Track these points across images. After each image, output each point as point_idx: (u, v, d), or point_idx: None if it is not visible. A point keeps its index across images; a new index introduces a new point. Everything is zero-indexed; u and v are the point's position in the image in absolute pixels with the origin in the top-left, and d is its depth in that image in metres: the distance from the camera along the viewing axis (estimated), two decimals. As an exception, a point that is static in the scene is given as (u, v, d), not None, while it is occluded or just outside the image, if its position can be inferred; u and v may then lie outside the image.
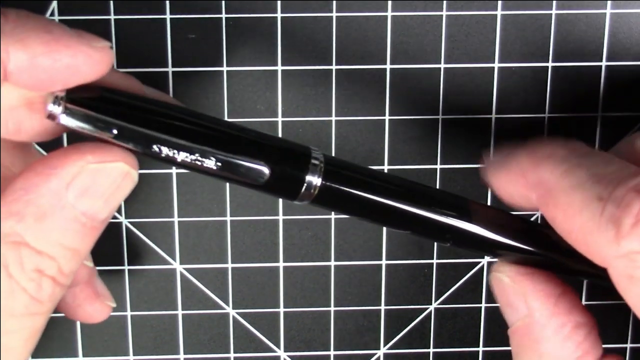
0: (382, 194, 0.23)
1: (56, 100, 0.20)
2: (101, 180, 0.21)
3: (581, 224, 0.20)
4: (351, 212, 0.24)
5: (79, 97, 0.20)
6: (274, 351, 0.29)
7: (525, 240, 0.24)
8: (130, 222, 0.28)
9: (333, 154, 0.27)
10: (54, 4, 0.25)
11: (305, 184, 0.22)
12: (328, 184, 0.22)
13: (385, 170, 0.27)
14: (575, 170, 0.21)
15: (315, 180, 0.22)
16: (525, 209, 0.23)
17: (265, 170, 0.21)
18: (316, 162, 0.22)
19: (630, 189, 0.19)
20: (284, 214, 0.28)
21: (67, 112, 0.20)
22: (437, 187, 0.28)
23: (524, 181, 0.22)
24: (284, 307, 0.29)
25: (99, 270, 0.28)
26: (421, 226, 0.23)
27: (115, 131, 0.20)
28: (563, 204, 0.21)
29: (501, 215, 0.25)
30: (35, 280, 0.20)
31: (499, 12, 0.26)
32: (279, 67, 0.27)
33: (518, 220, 0.24)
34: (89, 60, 0.20)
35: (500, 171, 0.23)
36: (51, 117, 0.20)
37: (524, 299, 0.23)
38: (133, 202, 0.27)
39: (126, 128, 0.20)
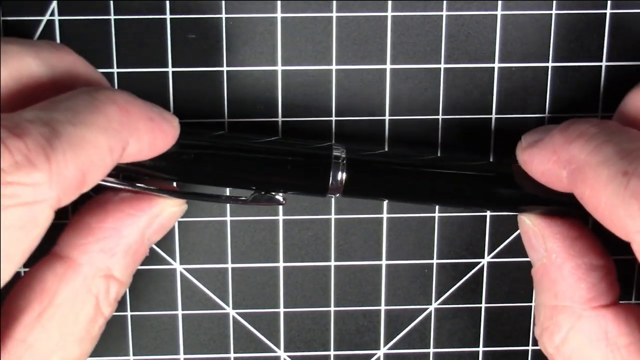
0: (405, 176, 0.24)
1: None
2: (173, 220, 0.25)
3: (606, 198, 0.20)
4: (382, 197, 0.26)
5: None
6: (274, 351, 0.29)
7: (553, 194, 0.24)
8: (130, 222, 0.28)
9: (333, 154, 0.27)
10: (54, 4, 0.25)
11: (330, 183, 0.23)
12: (352, 177, 0.24)
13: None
14: (603, 147, 0.21)
15: (339, 175, 0.23)
16: (556, 187, 0.23)
17: (281, 199, 0.24)
18: (337, 160, 0.23)
19: None
20: (284, 214, 0.28)
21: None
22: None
23: (556, 158, 0.23)
24: (284, 307, 0.29)
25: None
26: (455, 198, 0.25)
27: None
28: (590, 179, 0.21)
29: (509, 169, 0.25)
30: (112, 306, 0.23)
31: (499, 12, 0.26)
32: (279, 67, 0.27)
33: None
34: (168, 139, 0.22)
35: (533, 149, 0.24)
36: None
37: (543, 240, 0.24)
38: (133, 202, 0.27)
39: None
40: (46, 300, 0.22)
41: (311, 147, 0.24)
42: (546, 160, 0.23)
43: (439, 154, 0.28)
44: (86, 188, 0.19)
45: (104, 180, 0.24)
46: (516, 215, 0.26)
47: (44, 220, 0.18)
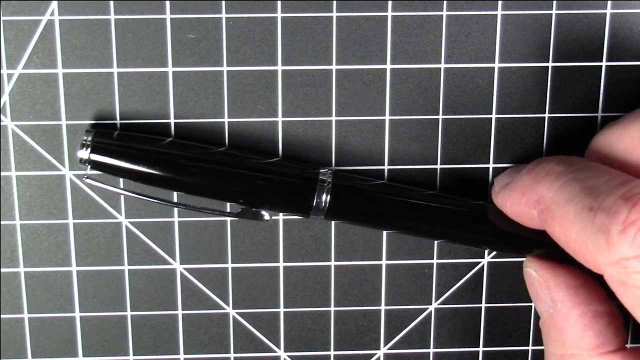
0: (387, 206, 0.25)
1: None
2: None
3: (575, 234, 0.21)
4: (364, 224, 0.27)
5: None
6: (274, 351, 0.29)
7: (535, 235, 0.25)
8: (130, 222, 0.28)
9: (333, 154, 0.27)
10: (54, 4, 0.25)
11: (314, 205, 0.25)
12: (336, 201, 0.25)
13: (385, 171, 0.27)
14: (569, 185, 0.22)
15: (323, 198, 0.25)
16: (530, 226, 0.24)
17: (266, 216, 0.26)
18: (323, 183, 0.25)
19: (619, 197, 0.20)
20: (283, 214, 0.28)
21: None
22: (437, 187, 0.28)
23: (526, 199, 0.23)
24: (284, 307, 0.29)
25: (99, 270, 0.28)
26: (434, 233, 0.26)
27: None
28: (559, 217, 0.21)
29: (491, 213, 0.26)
30: None
31: (499, 12, 0.26)
32: (279, 67, 0.27)
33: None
34: None
35: (505, 192, 0.24)
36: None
37: (548, 291, 0.25)
38: (133, 202, 0.27)
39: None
40: None
41: (299, 168, 0.26)
42: (517, 203, 0.24)
43: (439, 154, 0.28)
44: None
45: (107, 187, 0.26)
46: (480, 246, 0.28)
47: None
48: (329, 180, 0.25)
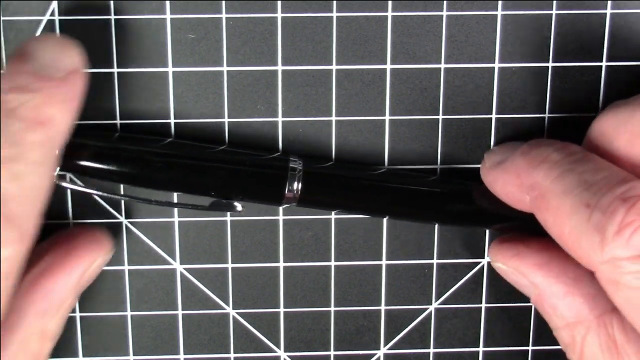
0: (359, 190, 0.26)
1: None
2: (99, 270, 0.27)
3: (570, 228, 0.21)
4: (336, 209, 0.27)
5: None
6: (274, 351, 0.29)
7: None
8: (130, 222, 0.28)
9: (333, 154, 0.27)
10: (54, 4, 0.25)
11: (285, 193, 0.25)
12: (308, 188, 0.25)
13: (385, 170, 0.27)
14: (567, 176, 0.21)
15: (295, 186, 0.25)
16: (519, 208, 0.24)
17: (239, 207, 0.26)
18: (294, 171, 0.25)
19: (616, 197, 0.20)
20: (284, 214, 0.28)
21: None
22: (437, 187, 0.28)
23: (519, 182, 0.23)
24: (284, 307, 0.29)
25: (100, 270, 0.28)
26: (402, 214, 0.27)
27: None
28: (554, 208, 0.21)
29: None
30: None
31: (499, 12, 0.26)
32: (279, 67, 0.27)
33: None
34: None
35: (497, 171, 0.24)
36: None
37: (524, 277, 0.25)
38: (133, 202, 0.27)
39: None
40: None
41: (270, 158, 0.26)
42: (510, 184, 0.24)
43: (439, 154, 0.28)
44: None
45: (73, 186, 0.26)
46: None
47: None
48: (300, 168, 0.25)
